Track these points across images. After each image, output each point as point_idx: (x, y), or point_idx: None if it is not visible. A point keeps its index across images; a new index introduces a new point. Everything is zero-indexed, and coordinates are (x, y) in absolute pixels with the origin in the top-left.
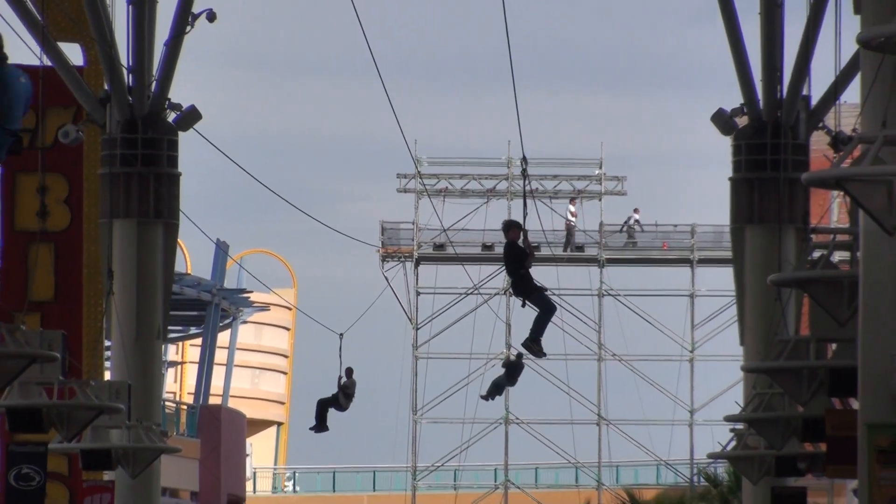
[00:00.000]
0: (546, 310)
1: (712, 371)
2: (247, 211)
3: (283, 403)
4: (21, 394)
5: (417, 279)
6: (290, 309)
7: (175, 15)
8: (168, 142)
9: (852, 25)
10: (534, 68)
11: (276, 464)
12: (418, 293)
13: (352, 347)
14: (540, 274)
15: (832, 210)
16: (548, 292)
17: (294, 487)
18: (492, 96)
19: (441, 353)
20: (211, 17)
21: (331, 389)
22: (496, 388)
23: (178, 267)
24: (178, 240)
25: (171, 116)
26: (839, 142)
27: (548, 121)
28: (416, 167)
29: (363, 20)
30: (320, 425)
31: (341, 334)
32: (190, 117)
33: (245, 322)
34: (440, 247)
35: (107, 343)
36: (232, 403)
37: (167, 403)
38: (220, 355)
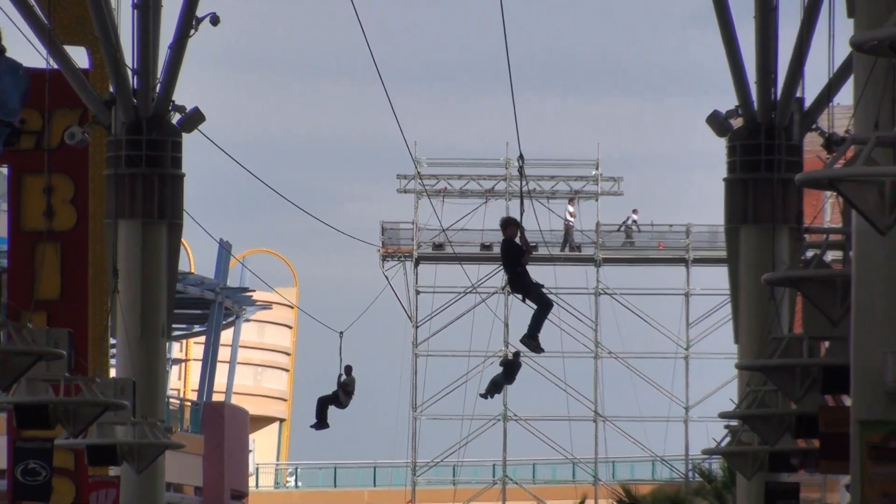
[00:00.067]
0: (543, 306)
1: (707, 368)
2: (249, 211)
3: (285, 400)
4: (28, 390)
5: (417, 278)
6: (291, 307)
7: (179, 19)
8: (172, 143)
9: (845, 29)
10: (531, 71)
11: (278, 459)
12: (418, 292)
13: (352, 345)
14: (538, 273)
15: (825, 210)
16: (544, 289)
17: (296, 483)
18: (490, 98)
19: (440, 350)
20: (214, 20)
21: (332, 387)
22: (495, 387)
23: (182, 266)
24: (182, 239)
25: (175, 118)
26: (832, 143)
27: (545, 122)
28: (416, 168)
29: (364, 23)
30: (321, 423)
31: (341, 333)
32: (193, 119)
33: (248, 320)
34: (439, 246)
35: (112, 341)
36: (235, 400)
37: (171, 400)
38: (224, 353)
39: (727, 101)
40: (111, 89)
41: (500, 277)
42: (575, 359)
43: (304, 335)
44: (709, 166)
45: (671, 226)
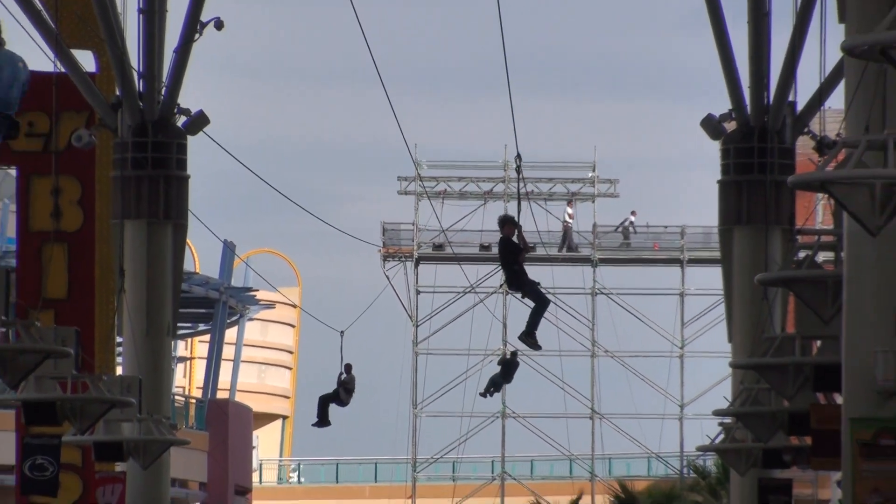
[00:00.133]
0: (540, 303)
1: (701, 367)
2: (253, 212)
3: (288, 398)
4: (36, 388)
5: (417, 278)
6: (294, 307)
7: (184, 23)
8: (177, 145)
9: (837, 34)
10: (530, 74)
11: (281, 456)
12: (418, 292)
13: (354, 344)
14: (535, 273)
15: (817, 212)
16: (540, 286)
17: (299, 478)
18: (489, 101)
19: (440, 349)
20: (219, 25)
21: (334, 385)
22: (493, 385)
23: (187, 266)
24: (187, 240)
25: (180, 121)
26: (824, 146)
27: (543, 125)
28: (417, 170)
29: (365, 28)
30: (322, 421)
31: (342, 332)
32: (198, 122)
33: (251, 319)
34: (439, 247)
35: (118, 339)
36: (239, 398)
37: (176, 397)
38: (228, 351)
39: (721, 104)
40: (117, 92)
41: (499, 277)
42: (572, 357)
43: (307, 334)
44: (703, 168)
45: (666, 227)
